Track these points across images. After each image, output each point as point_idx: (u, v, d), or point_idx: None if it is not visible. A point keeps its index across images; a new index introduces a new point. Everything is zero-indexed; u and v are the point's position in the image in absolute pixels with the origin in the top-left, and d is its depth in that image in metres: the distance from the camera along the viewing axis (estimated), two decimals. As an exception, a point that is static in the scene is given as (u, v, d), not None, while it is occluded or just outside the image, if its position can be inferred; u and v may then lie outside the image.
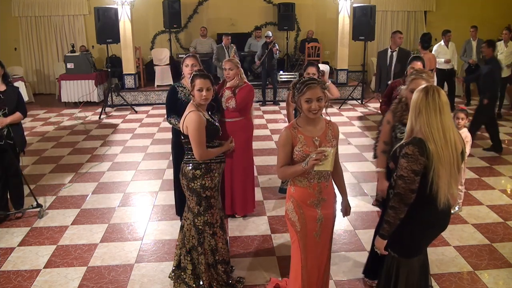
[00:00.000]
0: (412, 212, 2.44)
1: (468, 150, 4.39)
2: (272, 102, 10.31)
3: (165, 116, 4.10)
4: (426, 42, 7.10)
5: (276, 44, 9.77)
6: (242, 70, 4.39)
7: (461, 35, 10.33)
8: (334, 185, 2.86)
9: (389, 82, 5.99)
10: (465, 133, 4.39)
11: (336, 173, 2.88)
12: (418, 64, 4.26)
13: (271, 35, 9.72)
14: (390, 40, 7.35)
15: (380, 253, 2.63)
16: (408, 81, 3.19)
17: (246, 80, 4.40)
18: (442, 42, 9.15)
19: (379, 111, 6.32)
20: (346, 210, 2.94)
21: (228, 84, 4.29)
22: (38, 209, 4.71)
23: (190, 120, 3.07)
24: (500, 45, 8.73)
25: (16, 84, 5.60)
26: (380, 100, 4.48)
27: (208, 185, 3.16)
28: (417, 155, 2.31)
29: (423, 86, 2.44)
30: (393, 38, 7.14)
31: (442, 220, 2.52)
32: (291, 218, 2.76)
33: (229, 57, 6.61)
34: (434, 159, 2.30)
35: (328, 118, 2.83)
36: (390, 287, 2.67)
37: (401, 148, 2.42)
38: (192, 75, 3.19)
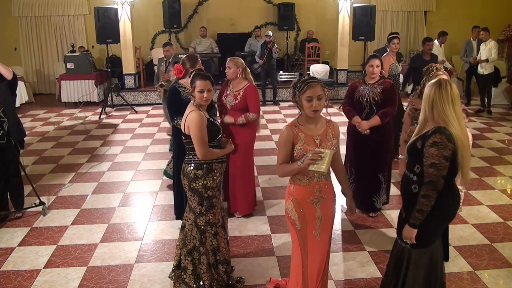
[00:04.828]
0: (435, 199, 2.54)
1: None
2: (272, 102, 10.31)
3: (166, 117, 4.07)
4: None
5: (275, 44, 9.77)
6: (249, 71, 4.36)
7: (461, 35, 10.32)
8: (334, 183, 2.85)
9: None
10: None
11: (339, 172, 2.89)
12: (376, 62, 4.32)
13: (271, 34, 9.69)
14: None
15: (410, 243, 2.65)
16: (431, 76, 3.63)
17: (251, 81, 4.35)
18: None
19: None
20: (351, 209, 2.94)
21: (231, 87, 4.29)
22: (41, 207, 4.71)
23: (191, 120, 3.07)
24: (481, 45, 8.91)
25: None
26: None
27: (210, 185, 3.16)
28: (445, 142, 2.44)
29: (435, 80, 2.56)
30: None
31: (457, 205, 2.66)
32: (291, 217, 2.76)
33: (165, 72, 6.36)
34: (458, 143, 2.44)
35: (328, 117, 2.84)
36: (400, 278, 2.73)
37: (422, 140, 2.52)
38: (193, 75, 3.17)
